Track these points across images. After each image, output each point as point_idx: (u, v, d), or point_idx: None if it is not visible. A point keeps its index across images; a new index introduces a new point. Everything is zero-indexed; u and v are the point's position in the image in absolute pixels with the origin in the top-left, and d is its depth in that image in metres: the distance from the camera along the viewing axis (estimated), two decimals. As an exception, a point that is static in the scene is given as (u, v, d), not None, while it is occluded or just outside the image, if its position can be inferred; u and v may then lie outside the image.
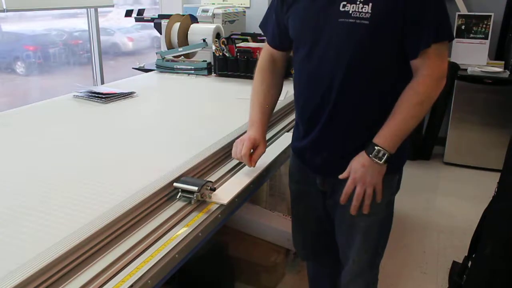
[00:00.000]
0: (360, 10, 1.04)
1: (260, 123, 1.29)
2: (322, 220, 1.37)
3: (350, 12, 1.05)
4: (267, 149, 1.42)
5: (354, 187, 1.15)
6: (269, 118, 1.34)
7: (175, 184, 1.11)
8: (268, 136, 1.54)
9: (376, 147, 1.11)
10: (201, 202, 1.09)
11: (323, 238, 1.42)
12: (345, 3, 1.05)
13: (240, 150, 1.24)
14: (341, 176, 1.17)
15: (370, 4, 1.03)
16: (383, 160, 1.11)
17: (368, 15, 1.03)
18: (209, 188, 1.12)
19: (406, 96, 1.10)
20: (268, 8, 1.29)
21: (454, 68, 3.40)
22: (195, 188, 1.09)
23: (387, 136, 1.11)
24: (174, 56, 2.59)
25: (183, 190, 1.11)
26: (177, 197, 1.11)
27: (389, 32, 1.06)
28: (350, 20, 1.05)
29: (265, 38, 1.35)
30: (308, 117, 1.24)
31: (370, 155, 1.12)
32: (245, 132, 1.45)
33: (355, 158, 1.15)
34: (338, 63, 1.10)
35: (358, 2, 1.04)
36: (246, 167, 1.29)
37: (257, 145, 1.26)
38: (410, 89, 1.10)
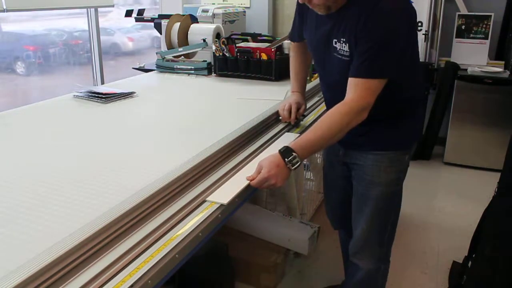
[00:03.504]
0: (343, 49, 1.28)
1: (301, 90, 1.67)
2: (346, 190, 1.59)
3: (338, 49, 1.30)
4: (267, 149, 1.44)
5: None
6: (305, 86, 1.72)
7: None
8: (267, 136, 1.55)
9: (293, 153, 1.19)
10: (201, 202, 1.09)
11: (348, 206, 1.57)
12: (335, 40, 1.30)
13: (288, 112, 1.62)
14: (247, 178, 1.20)
15: (347, 44, 1.26)
16: (295, 166, 1.20)
17: (348, 53, 1.27)
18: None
19: (333, 116, 1.24)
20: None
21: (454, 68, 3.40)
22: None
23: (304, 147, 1.22)
24: (174, 56, 2.59)
25: None
26: None
27: None
28: (338, 56, 1.30)
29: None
30: (326, 99, 1.54)
31: (286, 159, 1.19)
32: (245, 132, 1.47)
33: (269, 158, 1.21)
34: (335, 77, 1.36)
35: (341, 41, 1.27)
36: (246, 167, 1.29)
37: (300, 106, 1.64)
38: (337, 111, 1.24)
